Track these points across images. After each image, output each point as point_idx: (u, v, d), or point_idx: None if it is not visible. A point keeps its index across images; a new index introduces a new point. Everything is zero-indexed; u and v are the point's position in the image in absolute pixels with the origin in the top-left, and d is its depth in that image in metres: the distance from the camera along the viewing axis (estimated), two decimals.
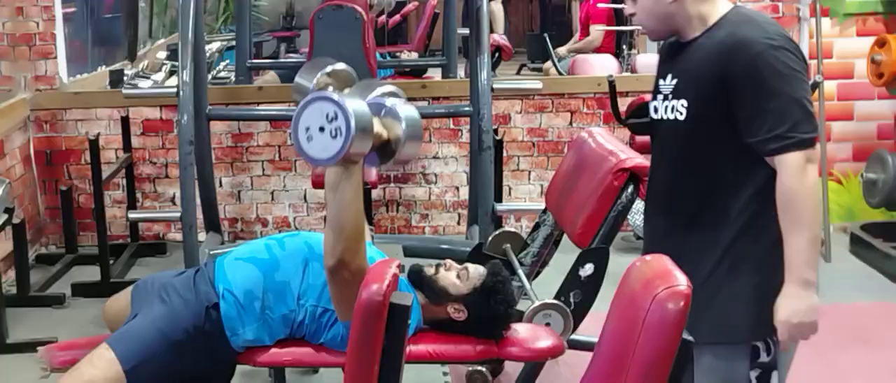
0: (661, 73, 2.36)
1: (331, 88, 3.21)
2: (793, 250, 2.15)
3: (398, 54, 7.92)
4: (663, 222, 2.39)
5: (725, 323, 2.24)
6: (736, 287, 2.24)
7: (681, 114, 2.26)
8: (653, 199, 2.45)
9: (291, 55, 8.06)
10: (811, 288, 2.15)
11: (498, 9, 6.93)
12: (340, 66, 3.32)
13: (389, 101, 2.57)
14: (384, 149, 2.51)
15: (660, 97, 2.34)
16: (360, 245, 2.50)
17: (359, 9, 4.66)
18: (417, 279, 2.74)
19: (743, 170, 2.22)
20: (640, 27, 6.49)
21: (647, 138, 2.65)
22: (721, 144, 2.22)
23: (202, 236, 4.74)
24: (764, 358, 2.25)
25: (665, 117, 2.31)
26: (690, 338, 1.87)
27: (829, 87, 5.28)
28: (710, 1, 2.25)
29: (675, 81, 2.29)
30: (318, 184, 4.84)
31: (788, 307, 2.16)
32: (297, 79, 3.41)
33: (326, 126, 2.31)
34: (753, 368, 2.25)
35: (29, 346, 3.83)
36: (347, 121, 2.29)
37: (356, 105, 2.35)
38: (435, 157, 5.46)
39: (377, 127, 2.45)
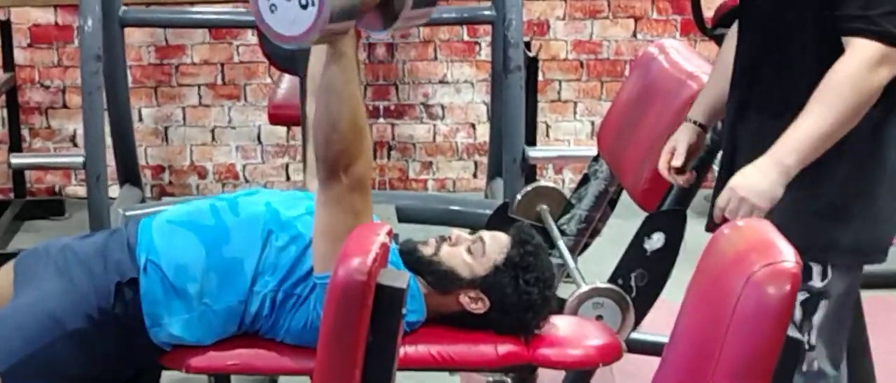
0: None
1: None
2: (797, 129, 2.43)
3: None
4: (737, 97, 2.67)
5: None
6: (801, 196, 2.48)
7: None
8: (733, 72, 2.70)
9: None
10: (783, 175, 2.43)
11: None
12: None
13: None
14: (386, 8, 2.52)
15: None
16: (362, 146, 2.53)
17: None
18: (412, 261, 2.74)
19: (827, 57, 2.45)
20: None
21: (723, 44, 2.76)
22: (818, 16, 2.47)
23: (114, 191, 4.75)
24: (816, 282, 2.55)
25: None
26: (799, 336, 1.90)
27: None
28: None
29: None
30: (277, 117, 4.84)
31: (746, 176, 2.47)
32: None
33: None
34: (802, 290, 2.47)
35: None
36: None
37: None
38: (442, 82, 5.47)
39: None
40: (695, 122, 2.86)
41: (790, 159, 2.44)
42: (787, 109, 2.52)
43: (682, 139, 2.85)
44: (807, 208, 2.52)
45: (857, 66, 2.41)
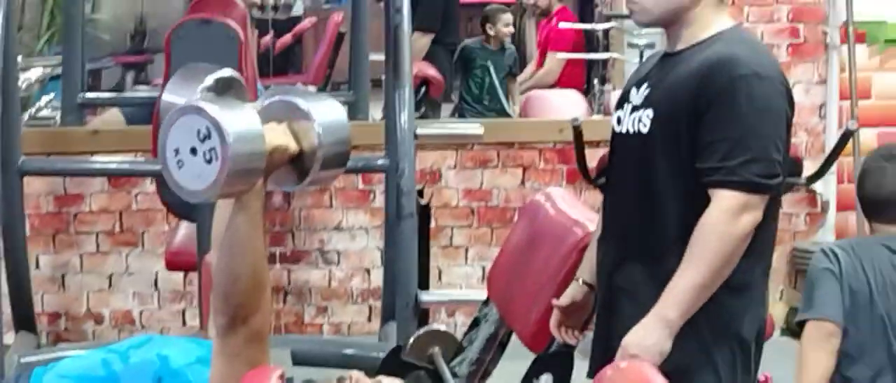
0: (635, 83, 2.74)
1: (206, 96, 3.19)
2: (677, 283, 2.52)
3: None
4: (615, 250, 2.73)
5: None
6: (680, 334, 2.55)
7: (645, 125, 2.63)
8: (606, 224, 2.78)
9: (141, 87, 8.03)
10: (667, 329, 2.52)
11: (423, 43, 6.90)
12: (228, 72, 3.29)
13: (302, 101, 2.56)
14: (296, 166, 2.50)
15: (627, 107, 2.71)
16: (262, 299, 2.48)
17: (233, 25, 4.65)
18: None
19: (699, 204, 2.54)
20: (614, 55, 6.59)
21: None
22: (682, 169, 2.57)
23: (9, 338, 4.65)
24: None
25: (628, 129, 2.69)
26: None
27: (867, 136, 5.38)
28: (718, 11, 2.67)
29: (647, 91, 2.67)
30: (174, 263, 4.78)
31: (636, 334, 2.55)
32: (166, 96, 3.38)
33: (198, 147, 2.30)
34: None
35: None
36: (223, 140, 2.27)
37: (237, 116, 2.34)
38: (337, 229, 5.46)
39: (280, 138, 2.44)
40: (583, 282, 2.89)
41: (673, 314, 2.51)
42: (661, 259, 2.60)
43: (570, 298, 2.87)
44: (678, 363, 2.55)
45: (720, 217, 2.49)
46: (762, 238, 2.59)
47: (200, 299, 3.58)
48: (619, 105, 2.77)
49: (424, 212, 4.83)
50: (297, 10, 9.04)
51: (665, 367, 2.42)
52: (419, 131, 4.50)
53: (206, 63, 4.53)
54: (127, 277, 5.40)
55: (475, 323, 3.44)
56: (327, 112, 2.53)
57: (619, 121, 2.74)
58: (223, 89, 3.28)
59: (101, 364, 2.74)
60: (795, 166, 4.52)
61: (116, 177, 5.28)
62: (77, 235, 5.37)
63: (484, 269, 5.41)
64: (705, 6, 2.63)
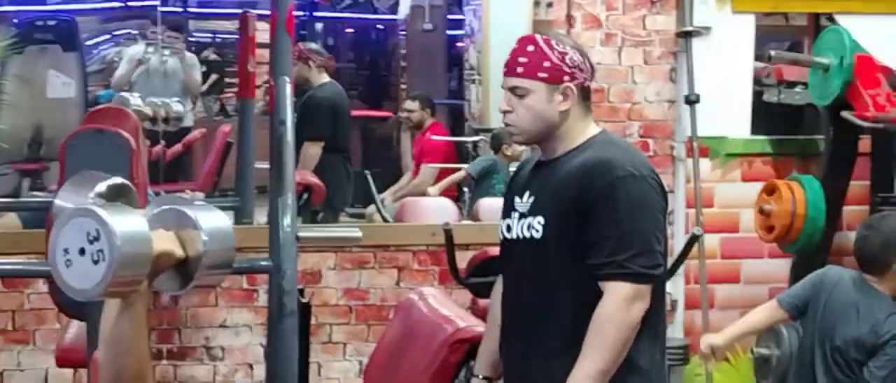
0: (517, 192, 2.79)
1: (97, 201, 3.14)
2: (578, 371, 2.57)
3: (180, 194, 7.85)
4: (518, 346, 2.76)
5: None
6: None
7: (537, 231, 2.68)
8: (507, 322, 2.81)
9: (37, 193, 7.90)
10: None
11: (314, 151, 6.95)
12: (119, 180, 3.25)
13: (189, 210, 2.53)
14: (181, 270, 2.47)
15: (515, 215, 2.75)
16: None
17: (125, 135, 4.61)
18: None
19: (590, 297, 2.61)
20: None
21: (489, 301, 2.83)
22: (575, 266, 2.62)
23: None
24: None
25: (520, 235, 2.72)
26: None
27: (710, 241, 5.49)
28: (585, 121, 2.76)
29: (531, 199, 2.72)
30: (64, 360, 4.66)
31: None
32: (58, 200, 3.33)
33: (87, 248, 2.27)
34: None
35: None
36: (110, 242, 2.25)
37: (126, 220, 2.31)
38: (222, 326, 5.38)
39: (166, 243, 2.40)
40: (484, 377, 2.89)
41: None
42: (564, 350, 2.64)
43: None
44: None
45: (614, 307, 2.56)
46: (656, 320, 2.67)
47: None
48: (506, 213, 2.81)
49: (305, 310, 4.78)
50: (188, 121, 9.01)
51: None
52: (301, 234, 4.47)
53: (99, 170, 4.51)
54: (18, 373, 5.25)
55: None
56: (213, 220, 2.52)
57: (509, 228, 2.79)
58: (114, 195, 3.25)
59: None
60: None
61: (10, 278, 5.15)
62: None
63: (361, 363, 5.37)
64: (574, 120, 2.72)
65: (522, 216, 2.74)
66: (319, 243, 5.25)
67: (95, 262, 2.28)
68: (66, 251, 2.29)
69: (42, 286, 5.11)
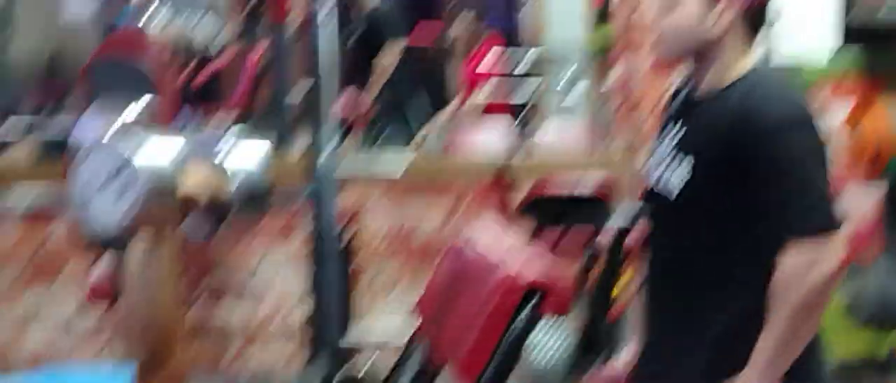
0: (664, 135, 2.69)
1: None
2: (762, 343, 2.51)
3: (212, 119, 7.92)
4: (665, 321, 2.72)
5: None
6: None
7: (678, 184, 2.58)
8: (648, 282, 2.78)
9: (54, 122, 7.99)
10: None
11: (393, 54, 7.16)
12: (143, 104, 3.32)
13: (221, 147, 2.57)
14: (213, 211, 2.51)
15: (658, 158, 2.66)
16: (175, 343, 2.49)
17: (149, 67, 4.65)
18: None
19: (744, 259, 2.56)
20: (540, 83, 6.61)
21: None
22: (722, 221, 2.55)
23: None
24: None
25: (661, 189, 2.64)
26: None
27: None
28: (743, 46, 2.61)
29: (677, 145, 2.62)
30: (95, 293, 4.75)
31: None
32: (79, 130, 3.43)
33: (111, 182, 2.31)
34: None
35: None
36: (137, 175, 2.29)
37: (151, 154, 2.35)
38: (260, 265, 5.43)
39: (193, 184, 2.45)
40: None
41: (758, 373, 2.50)
42: (705, 314, 2.62)
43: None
44: None
45: (794, 271, 2.46)
46: None
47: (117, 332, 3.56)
48: (650, 159, 2.72)
49: (348, 249, 4.84)
50: (220, 43, 9.05)
51: None
52: (343, 165, 4.52)
53: (122, 98, 4.56)
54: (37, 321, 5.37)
55: (401, 361, 3.46)
56: (247, 160, 2.55)
57: (650, 176, 2.70)
58: (139, 124, 3.31)
59: None
60: None
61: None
62: None
63: (409, 308, 5.43)
64: (733, 43, 2.61)
65: (666, 163, 2.64)
66: (363, 175, 5.30)
67: (119, 197, 2.32)
68: (86, 185, 2.34)
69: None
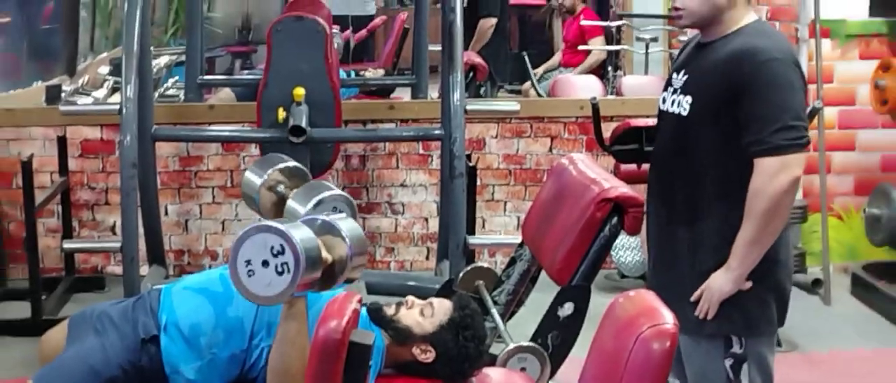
0: (677, 69, 2.73)
1: (281, 189, 3.25)
2: (738, 241, 2.53)
3: (364, 72, 7.94)
4: (661, 211, 2.75)
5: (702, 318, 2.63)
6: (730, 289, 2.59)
7: (684, 109, 2.63)
8: (652, 188, 2.81)
9: (246, 72, 8.05)
10: (731, 274, 2.55)
11: (489, 25, 7.17)
12: (292, 163, 3.41)
13: (330, 216, 2.58)
14: (327, 273, 2.52)
15: (670, 90, 2.71)
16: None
17: (321, 21, 4.67)
18: (377, 319, 2.72)
19: (733, 173, 2.56)
20: (625, 47, 6.55)
21: (632, 167, 2.85)
22: (715, 144, 2.57)
23: (144, 269, 4.70)
24: (736, 349, 2.64)
25: (670, 110, 2.69)
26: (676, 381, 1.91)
27: (829, 114, 5.34)
28: (745, 10, 2.64)
29: (686, 78, 2.66)
30: None
31: (712, 280, 2.59)
32: (248, 173, 3.54)
33: (271, 260, 2.30)
34: (727, 357, 2.64)
35: None
36: (296, 257, 2.28)
37: (303, 234, 2.35)
38: (402, 185, 5.47)
39: (324, 252, 2.47)
40: None
41: (735, 264, 2.55)
42: (699, 217, 2.63)
43: None
44: (731, 298, 2.60)
45: (761, 181, 2.48)
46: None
47: None
48: (665, 86, 2.76)
49: (472, 173, 4.84)
50: (371, 9, 9.06)
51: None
52: (468, 107, 4.50)
53: (299, 51, 4.59)
54: (236, 222, 5.44)
55: (512, 262, 3.45)
56: (351, 228, 2.56)
57: (664, 100, 2.74)
58: (290, 176, 3.35)
59: (218, 279, 2.77)
60: None
61: (228, 143, 5.32)
62: (197, 189, 5.40)
63: (519, 219, 5.42)
64: (737, 7, 2.62)
65: (676, 91, 2.68)
66: (483, 115, 5.28)
67: (279, 273, 2.31)
68: (248, 262, 2.32)
69: (254, 150, 5.27)
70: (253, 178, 3.70)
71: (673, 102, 2.69)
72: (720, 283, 2.57)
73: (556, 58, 8.05)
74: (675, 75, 2.73)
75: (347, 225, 2.56)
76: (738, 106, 2.52)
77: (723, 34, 2.63)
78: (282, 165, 3.61)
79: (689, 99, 2.62)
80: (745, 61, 2.52)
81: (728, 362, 2.63)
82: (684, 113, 2.63)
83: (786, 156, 2.47)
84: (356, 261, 2.55)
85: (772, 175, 2.47)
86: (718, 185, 2.60)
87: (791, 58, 2.57)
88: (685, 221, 2.67)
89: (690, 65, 2.69)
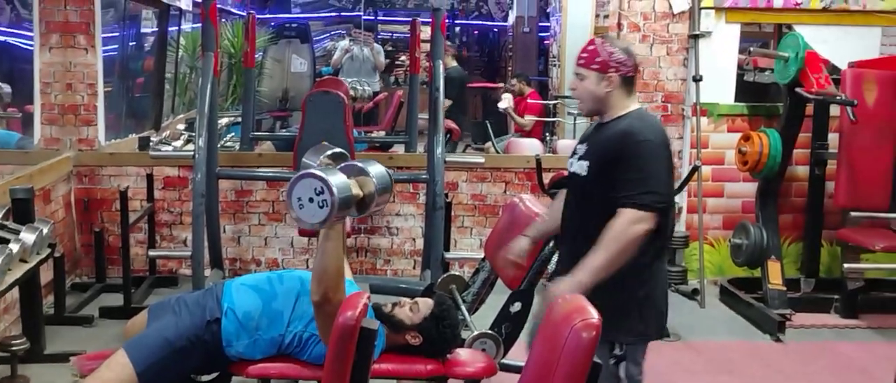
0: (581, 141, 2.67)
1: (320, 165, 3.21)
2: (588, 260, 2.42)
3: (370, 133, 7.95)
4: (571, 247, 2.62)
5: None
6: (609, 304, 2.44)
7: (584, 171, 2.57)
8: (564, 230, 2.71)
9: (284, 130, 8.07)
10: (576, 284, 2.40)
11: (445, 104, 7.20)
12: (338, 149, 3.37)
13: (362, 163, 2.57)
14: (361, 203, 2.51)
15: (575, 156, 2.64)
16: (340, 284, 2.49)
17: (342, 95, 4.69)
18: (379, 315, 2.72)
19: (612, 215, 2.46)
20: (559, 119, 6.52)
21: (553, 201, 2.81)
22: (606, 195, 2.49)
23: (208, 272, 4.67)
24: (617, 351, 2.54)
25: (575, 172, 2.63)
26: (599, 361, 1.89)
27: (706, 170, 5.38)
28: (627, 98, 2.57)
29: (586, 148, 2.61)
30: (303, 232, 4.80)
31: (561, 283, 2.46)
32: (305, 159, 3.49)
33: (315, 198, 2.30)
34: (610, 357, 2.53)
35: (63, 357, 3.77)
36: (332, 195, 2.28)
37: (338, 179, 2.35)
38: (397, 214, 5.45)
39: (354, 188, 2.44)
40: (531, 238, 2.86)
41: (582, 277, 2.43)
42: (590, 247, 2.52)
43: (521, 246, 2.85)
44: (613, 312, 2.45)
45: (621, 225, 2.40)
46: (661, 237, 2.53)
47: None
48: (572, 154, 2.68)
49: (448, 206, 4.84)
50: (375, 88, 9.08)
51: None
52: (447, 159, 4.51)
53: (326, 120, 4.58)
54: (275, 239, 5.40)
55: (476, 272, 3.46)
56: (378, 170, 2.56)
57: (571, 164, 2.66)
58: (335, 159, 3.33)
59: (266, 280, 2.76)
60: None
61: (271, 181, 5.30)
62: (248, 213, 5.36)
63: (482, 241, 5.41)
64: (617, 98, 2.54)
65: (579, 158, 2.62)
66: (458, 165, 5.29)
67: (321, 207, 2.31)
68: (299, 199, 2.33)
69: None
70: (308, 162, 3.62)
71: (578, 167, 2.61)
72: (566, 286, 2.45)
73: (511, 126, 8.08)
74: (579, 146, 2.67)
75: (375, 169, 2.53)
76: (619, 171, 2.45)
77: (614, 117, 2.54)
78: (330, 151, 3.54)
79: (586, 164, 2.55)
80: (627, 139, 2.45)
81: (611, 361, 2.55)
82: (584, 173, 2.56)
83: (646, 213, 2.40)
84: (381, 196, 2.52)
85: (632, 222, 2.39)
86: (604, 226, 2.51)
87: (662, 140, 2.49)
88: (584, 248, 2.55)
89: (590, 139, 2.62)
